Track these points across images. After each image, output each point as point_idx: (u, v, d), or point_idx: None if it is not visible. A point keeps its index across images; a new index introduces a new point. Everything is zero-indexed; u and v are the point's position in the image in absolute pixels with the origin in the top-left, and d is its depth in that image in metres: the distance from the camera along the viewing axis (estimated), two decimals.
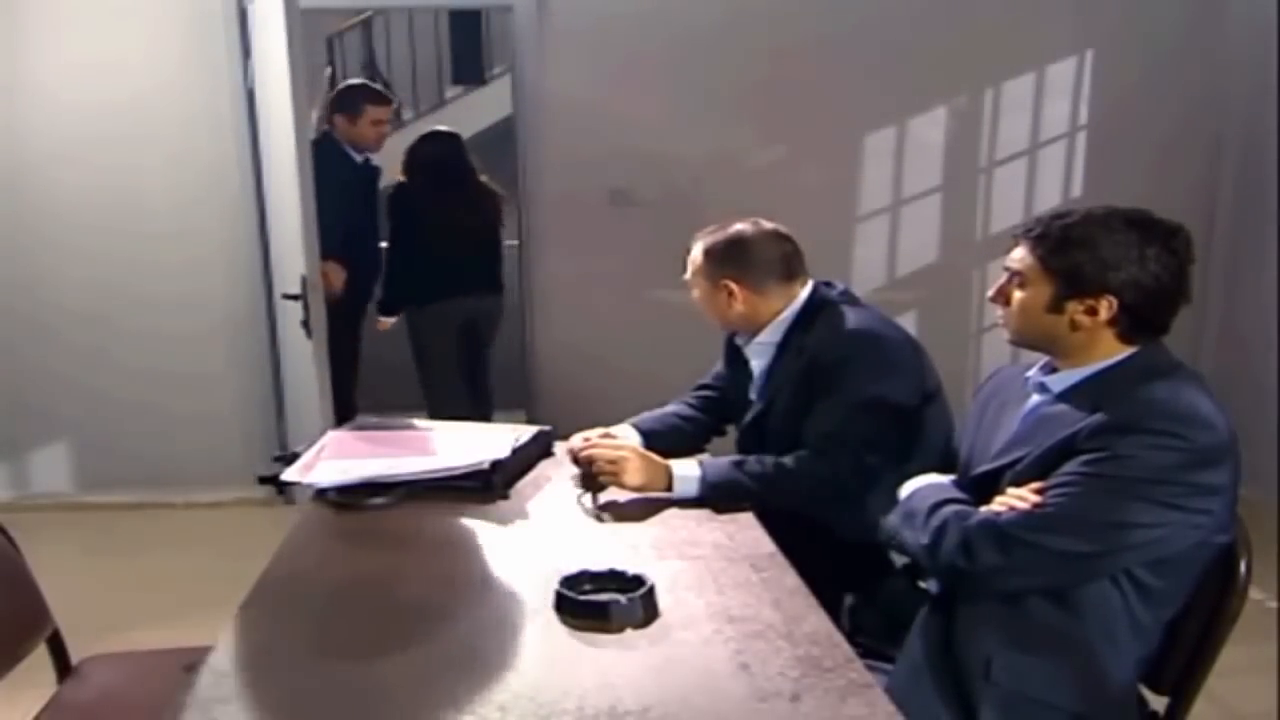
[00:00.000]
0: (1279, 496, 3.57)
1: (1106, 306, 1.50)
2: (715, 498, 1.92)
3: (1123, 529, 1.40)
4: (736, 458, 2.02)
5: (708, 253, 2.14)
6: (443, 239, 3.93)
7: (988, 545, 1.44)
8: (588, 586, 1.50)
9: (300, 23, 3.22)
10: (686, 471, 1.94)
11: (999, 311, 1.65)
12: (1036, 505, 1.45)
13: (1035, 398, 1.61)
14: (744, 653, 1.35)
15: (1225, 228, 4.24)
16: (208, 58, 3.91)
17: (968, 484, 1.65)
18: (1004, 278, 1.62)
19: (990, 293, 1.65)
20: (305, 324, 3.31)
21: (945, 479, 1.70)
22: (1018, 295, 1.58)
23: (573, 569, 1.54)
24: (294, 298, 3.38)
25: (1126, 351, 1.53)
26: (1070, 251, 1.51)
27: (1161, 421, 1.41)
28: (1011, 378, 1.73)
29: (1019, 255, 1.59)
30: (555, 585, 1.49)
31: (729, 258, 2.11)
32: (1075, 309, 1.52)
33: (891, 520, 1.66)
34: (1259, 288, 4.10)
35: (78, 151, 3.97)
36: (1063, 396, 1.55)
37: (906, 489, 1.68)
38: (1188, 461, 1.39)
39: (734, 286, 2.10)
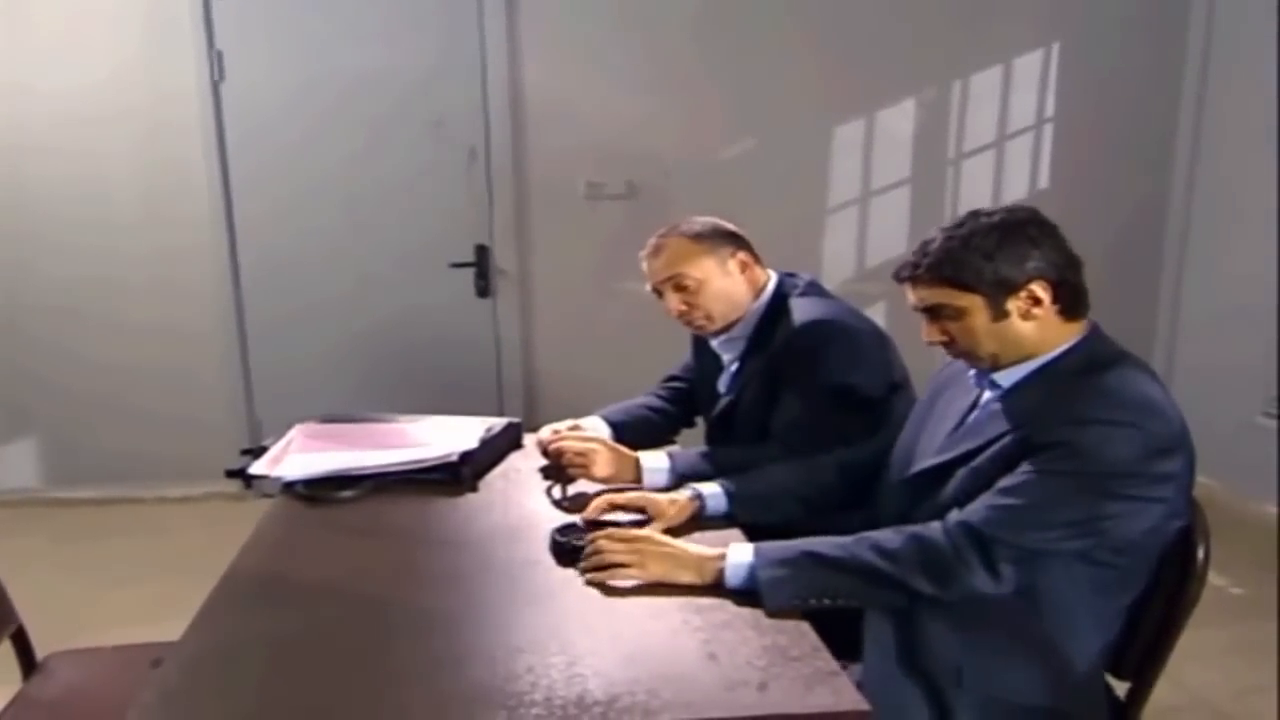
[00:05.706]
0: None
1: (1043, 287, 1.49)
2: None
3: (1088, 523, 1.40)
4: (705, 449, 2.02)
5: (700, 236, 2.07)
6: None
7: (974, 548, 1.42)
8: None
9: None
10: (655, 464, 1.94)
11: (950, 357, 1.62)
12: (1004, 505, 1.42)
13: (986, 394, 1.61)
14: (711, 642, 1.36)
15: (1188, 219, 4.29)
16: (171, 49, 3.86)
17: (913, 475, 1.65)
18: (925, 322, 1.59)
19: (927, 338, 1.60)
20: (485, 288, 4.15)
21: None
22: (957, 326, 1.55)
23: (544, 557, 1.56)
24: (467, 265, 4.08)
25: (1074, 338, 1.52)
26: (976, 262, 1.50)
27: (1117, 411, 1.40)
28: (964, 369, 1.70)
29: (925, 293, 1.56)
30: (552, 535, 1.64)
31: (721, 233, 2.09)
32: (1017, 305, 1.50)
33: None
34: (1217, 279, 4.15)
35: (43, 143, 3.91)
36: (1012, 390, 1.54)
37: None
38: (1145, 452, 1.39)
39: (743, 255, 2.08)
